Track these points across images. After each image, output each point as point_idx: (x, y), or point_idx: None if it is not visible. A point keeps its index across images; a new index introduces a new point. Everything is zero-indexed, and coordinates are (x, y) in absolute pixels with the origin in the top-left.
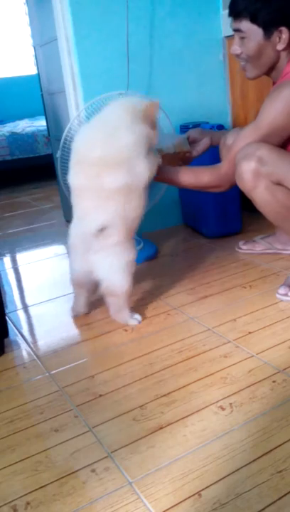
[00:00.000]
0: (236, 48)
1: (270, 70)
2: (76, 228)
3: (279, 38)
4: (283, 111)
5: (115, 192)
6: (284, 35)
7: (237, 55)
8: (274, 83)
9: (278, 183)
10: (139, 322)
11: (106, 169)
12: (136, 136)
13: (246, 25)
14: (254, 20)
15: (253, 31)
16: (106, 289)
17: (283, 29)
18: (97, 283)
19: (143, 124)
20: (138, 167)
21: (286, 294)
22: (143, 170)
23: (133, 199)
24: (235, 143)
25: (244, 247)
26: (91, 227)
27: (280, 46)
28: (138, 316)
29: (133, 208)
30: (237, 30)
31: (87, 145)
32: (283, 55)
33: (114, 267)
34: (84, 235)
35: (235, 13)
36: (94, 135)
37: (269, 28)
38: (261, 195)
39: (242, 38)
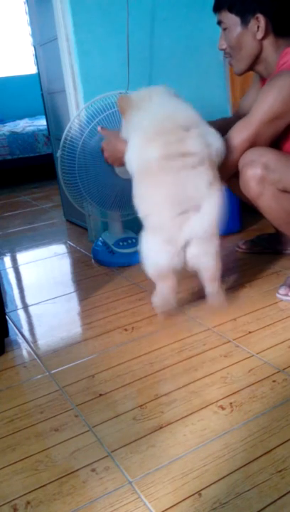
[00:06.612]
0: (221, 43)
1: (255, 64)
2: (168, 209)
3: (258, 26)
4: (278, 98)
5: (201, 158)
6: (262, 23)
7: (223, 50)
8: (264, 80)
9: (285, 190)
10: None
11: (185, 133)
12: (193, 109)
13: (225, 15)
14: (231, 9)
15: (232, 20)
16: (212, 275)
17: (260, 16)
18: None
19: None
20: (210, 137)
21: (286, 294)
22: (214, 139)
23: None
24: (232, 134)
25: (244, 247)
26: (200, 190)
27: (259, 35)
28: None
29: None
30: (219, 23)
31: (155, 121)
32: (267, 46)
33: (214, 251)
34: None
35: (216, 6)
36: (156, 112)
37: (245, 15)
38: (267, 203)
39: (225, 30)
